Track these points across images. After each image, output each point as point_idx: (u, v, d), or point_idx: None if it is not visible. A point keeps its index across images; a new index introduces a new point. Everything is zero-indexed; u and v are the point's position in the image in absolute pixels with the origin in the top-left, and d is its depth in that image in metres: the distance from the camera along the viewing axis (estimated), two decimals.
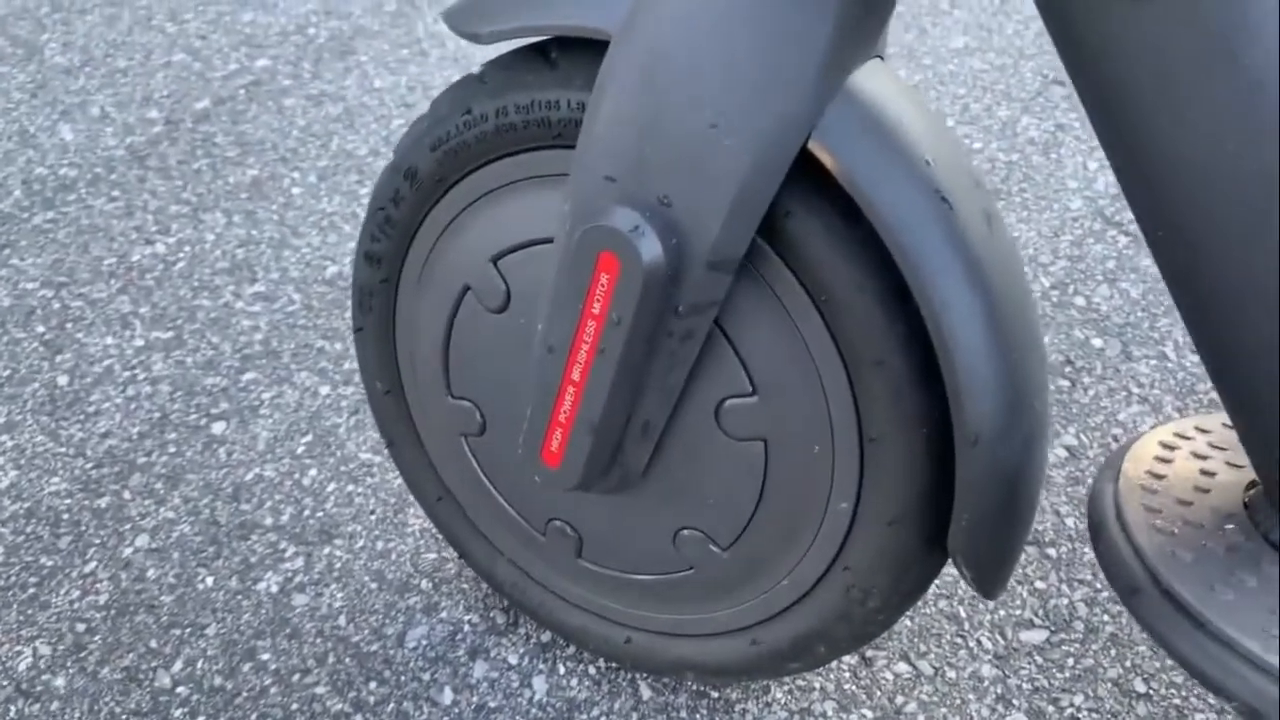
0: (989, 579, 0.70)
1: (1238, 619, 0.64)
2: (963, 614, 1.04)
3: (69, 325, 1.44)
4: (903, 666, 1.00)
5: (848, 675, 1.00)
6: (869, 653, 1.01)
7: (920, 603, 1.05)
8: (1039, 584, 1.05)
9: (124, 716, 1.02)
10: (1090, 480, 1.13)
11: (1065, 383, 1.24)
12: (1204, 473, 0.75)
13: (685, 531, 0.81)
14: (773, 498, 0.75)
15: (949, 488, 0.68)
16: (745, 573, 0.81)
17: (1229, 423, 0.78)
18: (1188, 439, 0.79)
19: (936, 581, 1.06)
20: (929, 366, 0.65)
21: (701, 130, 0.59)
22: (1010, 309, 0.63)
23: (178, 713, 1.01)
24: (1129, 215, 1.43)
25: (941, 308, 0.60)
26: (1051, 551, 1.08)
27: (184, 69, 1.93)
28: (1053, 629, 1.02)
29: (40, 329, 1.43)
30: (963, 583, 1.06)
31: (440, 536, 1.14)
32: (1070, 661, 0.99)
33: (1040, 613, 1.03)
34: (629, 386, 0.70)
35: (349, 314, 1.42)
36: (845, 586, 0.76)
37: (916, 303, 0.62)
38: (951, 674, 0.99)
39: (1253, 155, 0.51)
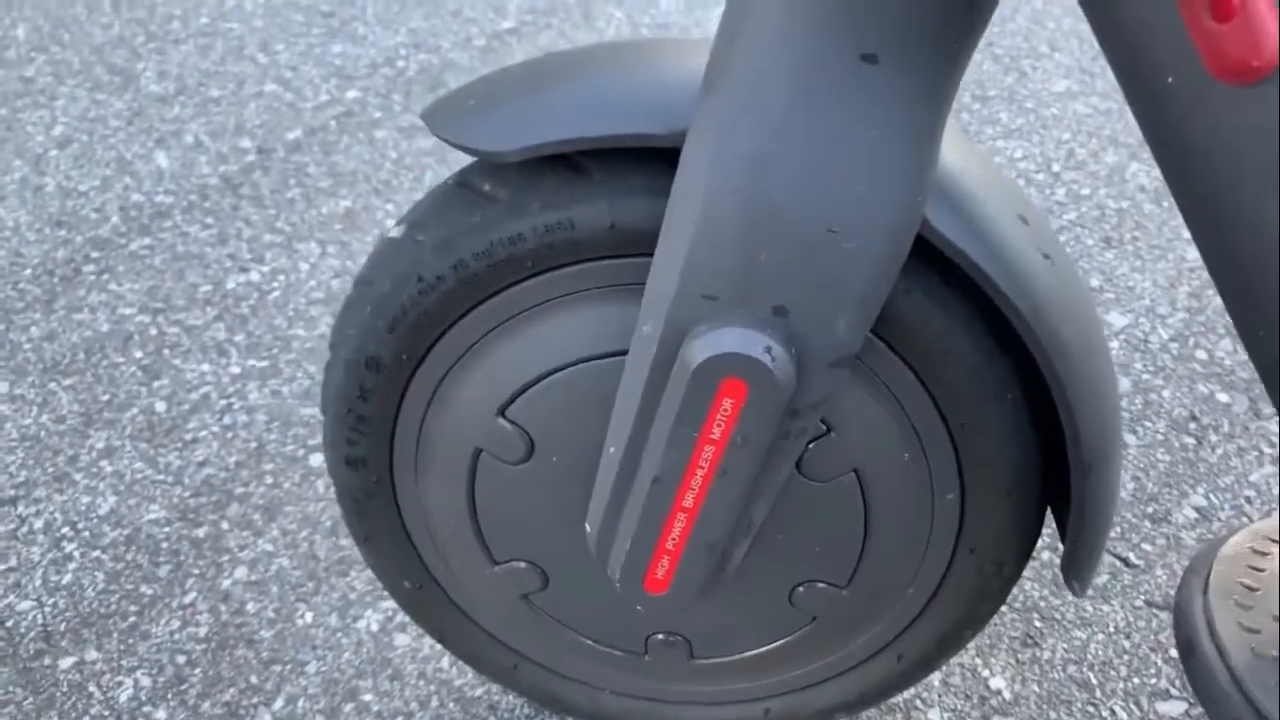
0: (1086, 584, 0.72)
1: None
2: (1094, 680, 0.99)
3: (166, 351, 1.44)
4: None
5: None
6: (996, 718, 0.97)
7: (1048, 667, 1.00)
8: (1174, 652, 1.00)
9: None
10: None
11: (1190, 440, 1.19)
12: None
13: (800, 589, 0.77)
14: (879, 519, 0.72)
15: (1046, 438, 0.68)
16: (871, 599, 0.78)
17: None
18: (1275, 541, 0.72)
19: (1065, 646, 1.02)
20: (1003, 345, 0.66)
21: (820, 236, 0.56)
22: (1097, 341, 0.65)
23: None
24: None
25: (1059, 360, 0.62)
26: None
27: (275, 99, 1.95)
28: (1191, 701, 0.96)
29: (138, 354, 1.44)
30: (1091, 648, 1.01)
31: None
32: None
33: (1178, 683, 0.98)
34: (748, 498, 0.67)
35: None
36: (977, 568, 0.74)
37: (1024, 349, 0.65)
38: None
39: None
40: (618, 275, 0.67)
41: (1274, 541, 0.72)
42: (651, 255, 0.64)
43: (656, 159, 0.64)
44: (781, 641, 0.82)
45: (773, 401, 0.60)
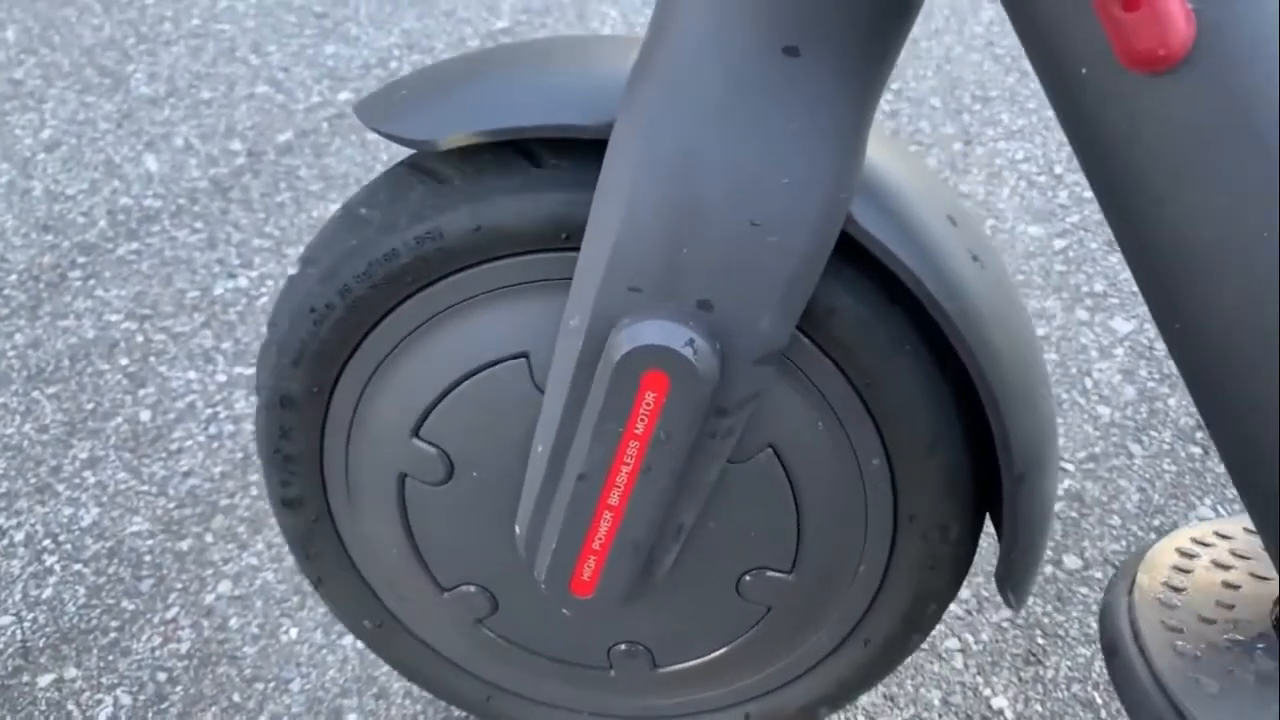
0: (1024, 595, 0.72)
1: None
2: (1099, 700, 0.96)
3: (152, 359, 1.42)
4: None
5: None
6: None
7: (1052, 686, 0.97)
8: None
9: None
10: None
11: (1197, 449, 1.16)
12: (1227, 585, 0.68)
13: (746, 578, 0.75)
14: (808, 494, 0.71)
15: (969, 391, 0.68)
16: (822, 581, 0.75)
17: (1251, 528, 0.71)
18: (1208, 545, 0.72)
19: (1069, 665, 0.99)
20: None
21: (743, 230, 0.56)
22: (1029, 348, 0.66)
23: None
24: None
25: (989, 365, 0.62)
26: None
27: (267, 101, 1.93)
28: None
29: (124, 361, 1.41)
30: (1096, 666, 0.99)
31: None
32: None
33: None
34: (673, 497, 0.66)
35: None
36: (921, 534, 0.72)
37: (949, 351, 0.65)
38: None
39: (1266, 240, 0.47)
40: (500, 278, 0.67)
41: (1203, 544, 0.72)
42: (519, 254, 0.65)
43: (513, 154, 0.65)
44: (741, 639, 0.80)
45: (695, 395, 0.60)
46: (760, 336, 0.59)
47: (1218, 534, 0.73)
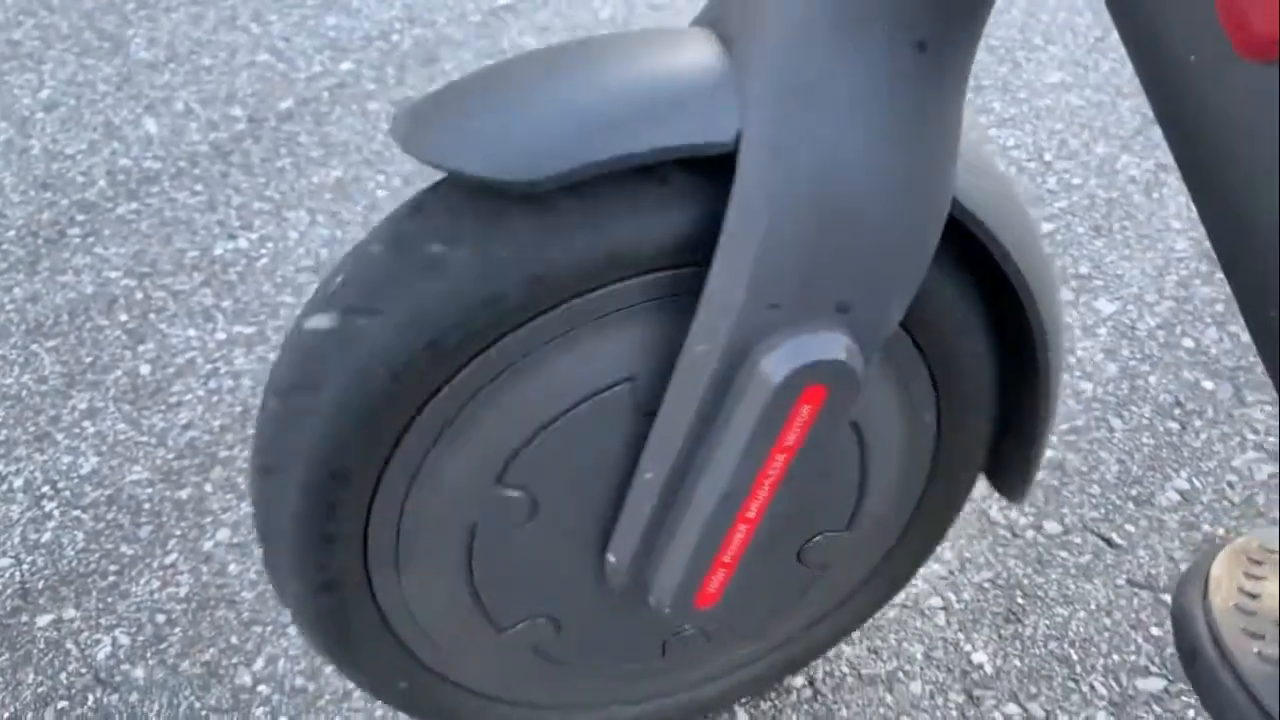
0: (1029, 491, 0.79)
1: None
2: (1074, 656, 0.99)
3: (151, 315, 1.43)
4: (1013, 708, 0.96)
5: (955, 714, 0.96)
6: (976, 692, 0.97)
7: (1030, 643, 1.01)
8: (1154, 630, 1.01)
9: (204, 712, 0.99)
10: (1177, 576, 1.09)
11: (1175, 425, 1.20)
12: None
13: (808, 545, 0.77)
14: (875, 462, 0.73)
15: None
16: (871, 532, 0.78)
17: None
18: (1273, 552, 0.73)
19: (1046, 623, 1.02)
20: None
21: (885, 229, 0.55)
22: (1054, 279, 0.68)
23: (259, 711, 0.99)
24: None
25: (1050, 321, 0.66)
26: (1166, 597, 1.03)
27: (268, 69, 1.94)
28: (1170, 678, 0.97)
29: (123, 317, 1.42)
30: (1073, 625, 1.02)
31: None
32: (1190, 713, 0.94)
33: (1157, 660, 0.99)
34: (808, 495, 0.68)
35: None
36: (947, 476, 0.76)
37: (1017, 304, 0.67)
38: (1064, 718, 0.95)
39: None
40: (600, 306, 0.61)
41: (1270, 551, 0.73)
42: (623, 280, 0.60)
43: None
44: (800, 601, 0.82)
45: (851, 399, 0.59)
46: (889, 327, 0.59)
47: None
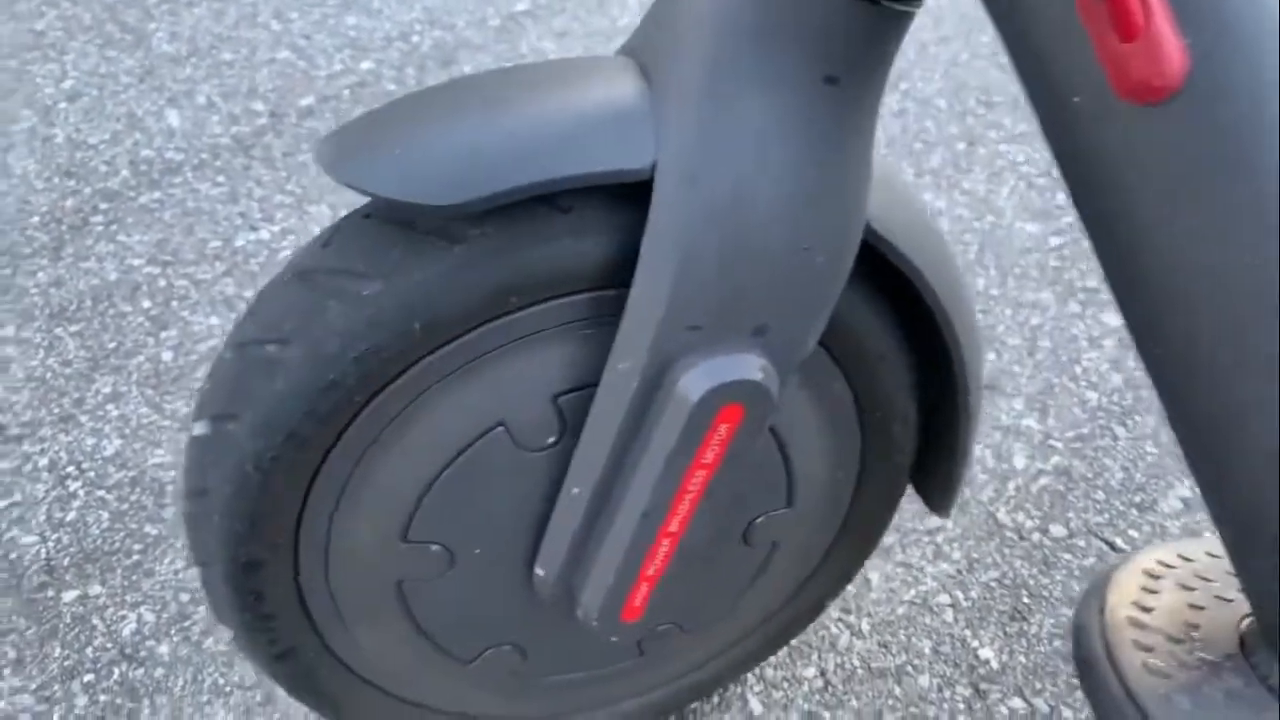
0: (952, 505, 0.81)
1: None
2: None
3: (174, 303, 1.45)
4: (1018, 702, 0.99)
5: (962, 707, 0.98)
6: (983, 686, 1.00)
7: (1035, 641, 1.04)
8: None
9: (228, 688, 1.01)
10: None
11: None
12: (1193, 606, 0.71)
13: (752, 526, 0.78)
14: (794, 445, 0.75)
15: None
16: (820, 504, 0.80)
17: (1213, 551, 0.75)
18: (1171, 568, 0.75)
19: (1052, 622, 1.05)
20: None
21: (797, 255, 0.57)
22: (969, 300, 0.72)
23: (282, 690, 1.01)
24: None
25: (965, 339, 0.69)
26: None
27: (289, 66, 1.96)
28: None
29: (146, 304, 1.45)
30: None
31: None
32: None
33: None
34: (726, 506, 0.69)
35: None
36: (886, 429, 0.78)
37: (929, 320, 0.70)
38: (1069, 714, 0.97)
39: (1270, 264, 0.48)
40: (469, 352, 0.62)
41: (1168, 566, 0.75)
42: (505, 316, 0.61)
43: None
44: (759, 580, 0.84)
45: (765, 417, 0.62)
46: (806, 348, 0.62)
47: (1181, 556, 0.76)
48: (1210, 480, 0.57)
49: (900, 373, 0.73)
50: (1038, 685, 1.00)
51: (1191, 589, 0.73)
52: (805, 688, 1.00)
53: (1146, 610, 0.71)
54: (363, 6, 2.15)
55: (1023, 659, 1.02)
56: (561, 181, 0.54)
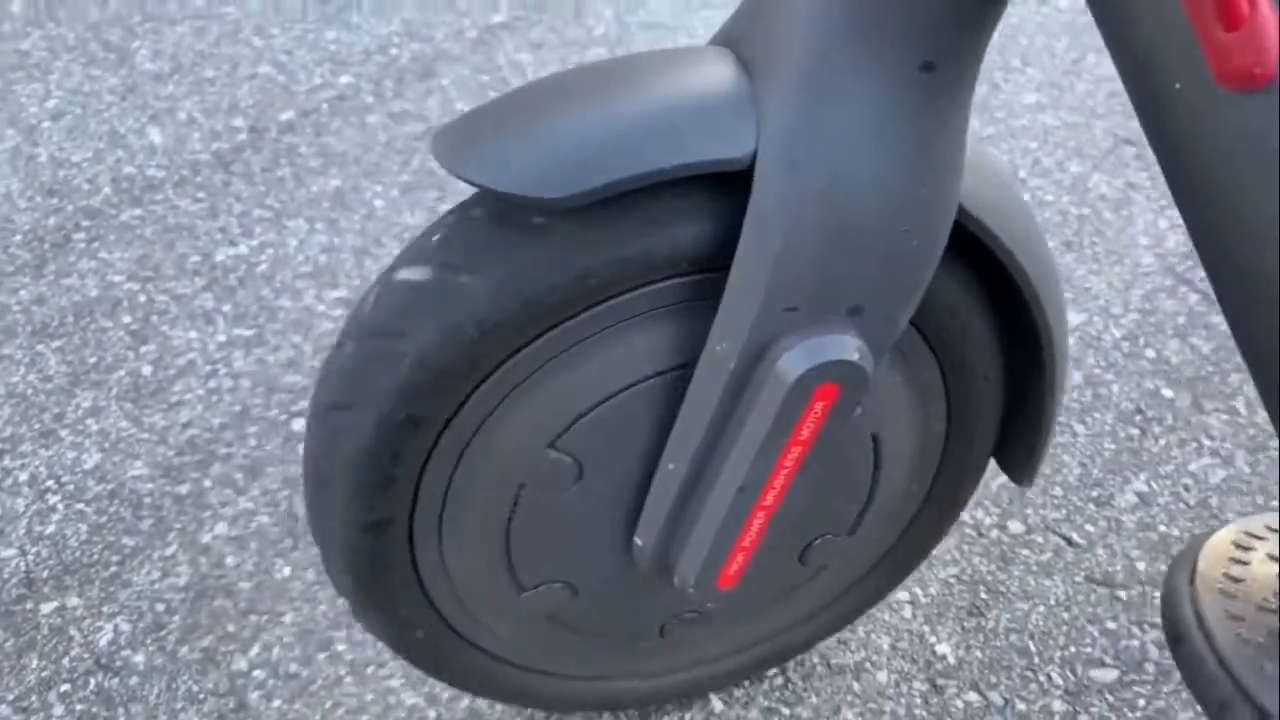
0: (1035, 476, 0.82)
1: None
2: (1033, 648, 1.04)
3: (154, 318, 1.48)
4: (973, 696, 1.01)
5: (919, 702, 1.00)
6: (939, 681, 1.02)
7: (991, 635, 1.06)
8: (1109, 624, 1.06)
9: (201, 695, 1.03)
10: (1169, 559, 1.14)
11: (1135, 430, 1.25)
12: None
13: (810, 547, 0.81)
14: (887, 470, 0.78)
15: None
16: (873, 537, 0.84)
17: None
18: (1260, 538, 0.77)
19: (1008, 617, 1.07)
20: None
21: (895, 238, 0.59)
22: (1059, 287, 0.73)
23: (254, 695, 1.03)
24: (1200, 273, 1.46)
25: (1054, 317, 0.70)
26: (1122, 594, 1.09)
27: (269, 81, 1.99)
28: (1124, 669, 1.02)
29: (126, 319, 1.47)
30: (1033, 619, 1.07)
31: None
32: (1142, 702, 0.99)
33: (1111, 653, 1.04)
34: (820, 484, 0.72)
35: None
36: (955, 478, 0.82)
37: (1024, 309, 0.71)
38: (1022, 706, 0.99)
39: None
40: (642, 305, 0.66)
41: (1256, 537, 0.76)
42: (661, 281, 0.65)
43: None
44: (792, 594, 0.86)
45: (859, 397, 0.64)
46: (899, 328, 0.64)
47: (1269, 527, 0.78)
48: None
49: (992, 357, 0.75)
50: (993, 679, 1.02)
51: None
52: (765, 685, 1.02)
53: (1236, 581, 0.73)
54: (343, 21, 2.17)
55: (979, 654, 1.04)
56: (668, 172, 0.57)
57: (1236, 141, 0.49)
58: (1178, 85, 0.50)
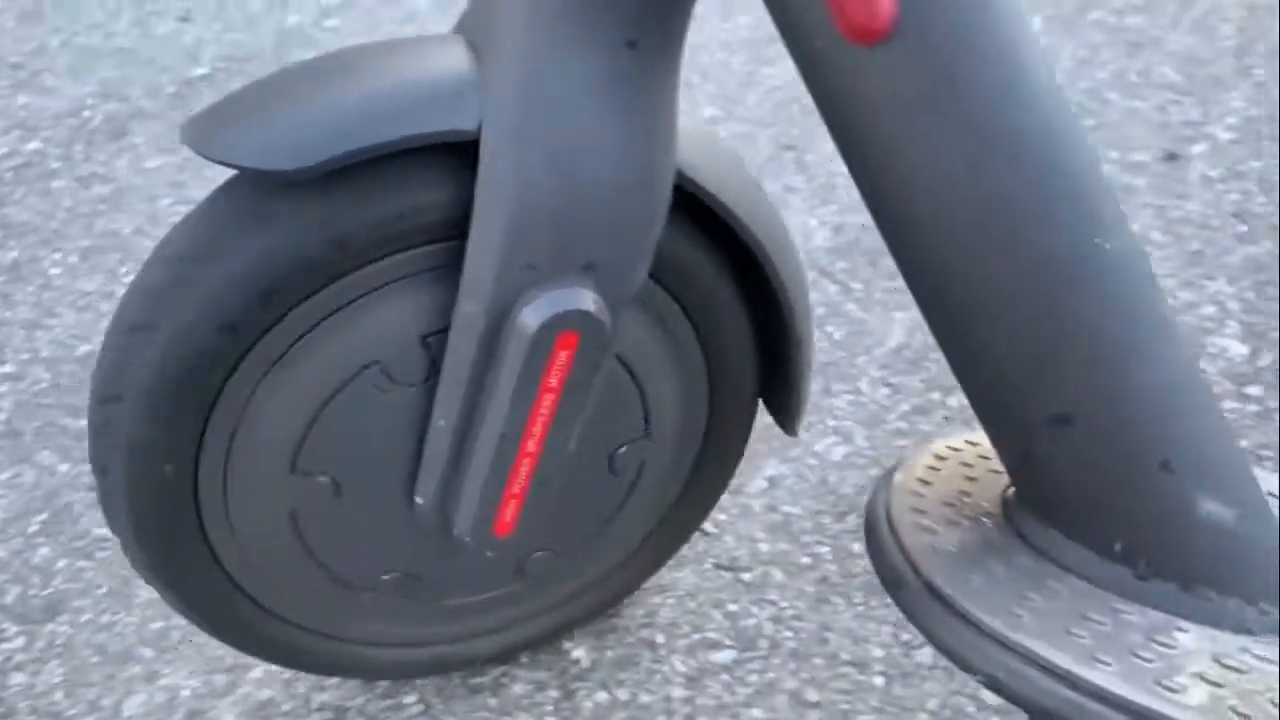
0: (799, 423, 0.91)
1: (987, 603, 0.71)
2: (660, 640, 1.11)
3: None
4: (602, 695, 1.06)
5: (550, 709, 1.05)
6: (572, 685, 1.07)
7: (624, 633, 1.11)
8: (731, 607, 1.13)
9: None
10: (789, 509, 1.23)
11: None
12: (969, 478, 0.84)
13: (616, 455, 0.87)
14: (649, 380, 0.84)
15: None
16: (672, 430, 0.89)
17: None
18: (958, 450, 0.88)
19: (641, 612, 1.13)
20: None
21: (616, 198, 0.66)
22: (791, 245, 0.82)
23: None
24: (840, 265, 1.56)
25: (785, 269, 0.79)
26: (745, 576, 1.16)
27: None
28: (740, 649, 1.09)
29: None
30: (662, 612, 1.13)
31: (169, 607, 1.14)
32: (754, 678, 1.06)
33: (731, 634, 1.11)
34: (577, 428, 0.77)
35: None
36: (724, 381, 0.89)
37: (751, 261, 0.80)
38: (646, 698, 1.05)
39: (980, 177, 0.60)
40: (339, 298, 0.71)
41: (954, 450, 0.88)
42: (362, 267, 0.70)
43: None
44: (627, 501, 0.92)
45: (602, 344, 0.71)
46: (634, 281, 0.71)
47: (968, 441, 0.89)
48: (962, 369, 0.70)
49: (731, 304, 0.82)
50: (621, 676, 1.07)
51: (971, 465, 0.86)
52: (406, 713, 1.05)
53: (927, 484, 0.84)
54: (37, 85, 2.11)
55: (610, 653, 1.09)
56: (396, 143, 0.63)
57: (868, 92, 0.59)
58: (818, 44, 0.59)
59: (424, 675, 1.04)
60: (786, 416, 0.90)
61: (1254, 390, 1.29)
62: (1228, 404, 1.27)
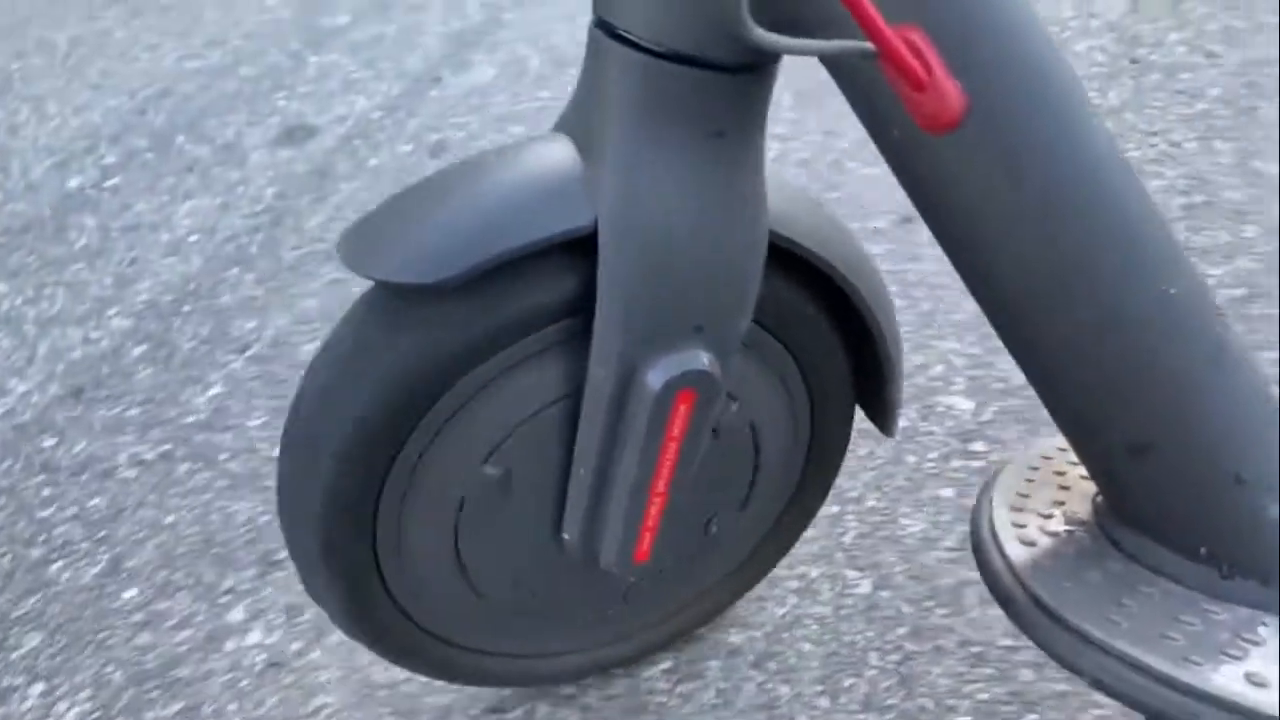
0: (897, 425, 0.97)
1: (1087, 611, 0.76)
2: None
3: None
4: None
5: None
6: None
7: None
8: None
9: None
10: None
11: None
12: (1061, 487, 0.89)
13: (711, 523, 0.95)
14: (764, 443, 0.93)
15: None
16: (763, 505, 0.99)
17: None
18: (1049, 459, 0.92)
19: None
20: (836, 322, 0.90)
21: (717, 267, 0.72)
22: (880, 280, 0.90)
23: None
24: None
25: (871, 295, 0.86)
26: None
27: None
28: None
29: None
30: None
31: None
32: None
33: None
34: (699, 470, 0.84)
35: None
36: (825, 437, 0.98)
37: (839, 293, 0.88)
38: None
39: (1056, 243, 0.68)
40: (532, 346, 0.79)
41: (1046, 459, 0.93)
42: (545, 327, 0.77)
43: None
44: (743, 517, 0.98)
45: (715, 393, 0.77)
46: (738, 336, 0.77)
47: (1059, 449, 0.93)
48: (1045, 391, 0.77)
49: (833, 339, 0.90)
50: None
51: (1063, 474, 0.90)
52: None
53: (1025, 496, 0.88)
54: None
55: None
56: (524, 248, 0.70)
57: (951, 174, 0.67)
58: (896, 132, 0.68)
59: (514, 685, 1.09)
60: (883, 418, 0.97)
61: (978, 446, 1.34)
62: (954, 462, 1.32)
